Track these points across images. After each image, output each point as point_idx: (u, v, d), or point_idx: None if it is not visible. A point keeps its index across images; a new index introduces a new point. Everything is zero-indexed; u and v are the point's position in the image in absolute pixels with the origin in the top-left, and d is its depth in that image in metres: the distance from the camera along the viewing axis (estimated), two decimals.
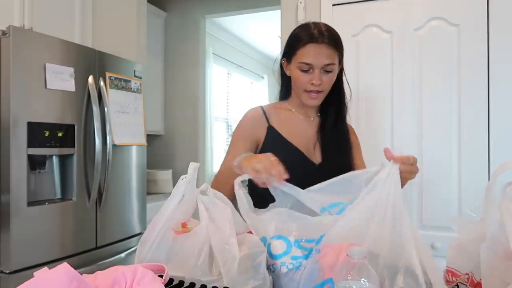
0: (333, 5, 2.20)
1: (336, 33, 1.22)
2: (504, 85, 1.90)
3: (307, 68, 1.17)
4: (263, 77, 5.82)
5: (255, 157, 0.98)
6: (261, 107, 1.30)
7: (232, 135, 1.30)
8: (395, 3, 2.08)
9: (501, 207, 0.60)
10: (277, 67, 1.34)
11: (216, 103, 4.54)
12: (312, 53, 1.15)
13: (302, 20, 2.24)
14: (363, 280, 0.56)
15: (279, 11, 2.36)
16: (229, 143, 1.30)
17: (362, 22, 2.15)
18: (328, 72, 1.18)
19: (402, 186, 0.88)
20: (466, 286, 0.70)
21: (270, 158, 0.94)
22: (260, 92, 5.78)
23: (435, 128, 2.00)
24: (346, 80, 1.31)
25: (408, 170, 0.89)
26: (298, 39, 1.19)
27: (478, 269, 0.64)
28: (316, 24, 1.20)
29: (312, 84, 1.17)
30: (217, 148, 4.51)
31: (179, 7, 3.61)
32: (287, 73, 1.26)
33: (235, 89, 5.21)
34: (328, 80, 1.19)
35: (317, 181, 0.91)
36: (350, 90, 1.33)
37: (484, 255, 0.62)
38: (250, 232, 0.86)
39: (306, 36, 1.17)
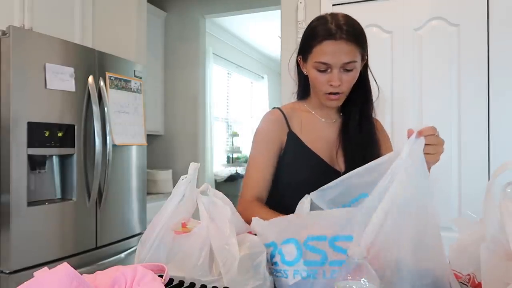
0: (333, 5, 2.20)
1: (357, 24, 1.10)
2: (504, 85, 1.90)
3: (325, 68, 1.05)
4: (263, 77, 5.82)
5: None
6: (280, 110, 1.19)
7: (253, 142, 1.19)
8: (395, 3, 2.09)
9: (501, 207, 0.60)
10: (292, 64, 1.23)
11: (216, 103, 4.55)
12: (329, 51, 1.03)
13: (302, 20, 2.24)
14: (363, 280, 0.56)
15: (279, 11, 2.36)
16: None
17: (362, 22, 2.12)
18: (348, 70, 1.06)
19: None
20: (467, 286, 0.69)
21: None
22: (260, 92, 5.78)
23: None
24: (373, 75, 1.20)
25: (434, 142, 0.76)
26: (313, 35, 1.07)
27: (480, 270, 0.64)
28: (334, 16, 1.08)
29: (331, 85, 1.06)
30: (217, 148, 4.51)
31: (179, 7, 3.61)
32: (304, 71, 1.15)
33: (235, 89, 5.22)
34: (349, 80, 1.07)
35: None
36: (378, 86, 1.20)
37: (484, 255, 0.62)
38: (250, 232, 0.86)
39: (322, 32, 1.05)
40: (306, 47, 1.10)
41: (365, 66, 1.16)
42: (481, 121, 1.93)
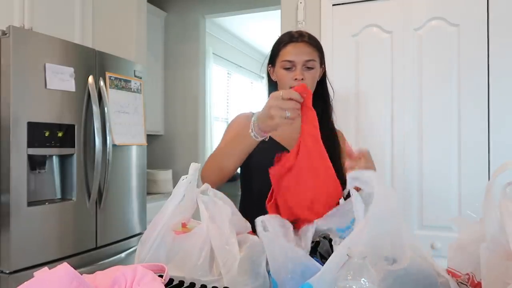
0: (333, 5, 2.20)
1: (317, 40, 1.31)
2: (504, 85, 1.90)
3: (290, 66, 1.23)
4: (263, 77, 5.80)
5: (266, 110, 0.99)
6: (251, 111, 1.37)
7: (225, 131, 1.37)
8: (395, 3, 2.08)
9: (501, 207, 0.60)
10: (264, 73, 1.41)
11: (216, 103, 4.54)
12: (293, 51, 1.23)
13: (302, 20, 2.24)
14: (363, 280, 0.56)
15: (279, 11, 2.36)
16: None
17: (362, 22, 2.15)
18: (309, 68, 1.24)
19: None
20: (467, 286, 0.69)
21: (276, 97, 0.96)
22: (260, 92, 5.78)
23: (435, 128, 2.00)
24: (329, 83, 1.38)
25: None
26: (280, 42, 1.28)
27: (479, 269, 0.64)
28: (298, 30, 1.31)
29: (296, 79, 1.22)
30: None
31: (179, 7, 3.61)
32: (273, 78, 1.33)
33: (235, 89, 5.21)
34: (310, 77, 1.24)
35: None
36: (333, 91, 1.39)
37: (484, 255, 0.62)
38: (250, 232, 0.86)
39: (287, 38, 1.27)
40: (274, 53, 1.30)
41: (324, 76, 1.34)
42: (481, 121, 1.92)
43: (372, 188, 0.70)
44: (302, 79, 1.22)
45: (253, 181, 1.31)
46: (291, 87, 1.24)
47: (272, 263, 0.72)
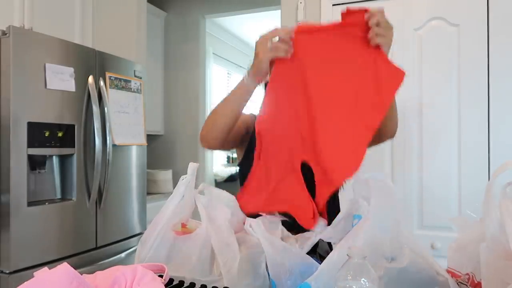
0: (333, 5, 2.20)
1: None
2: (504, 85, 1.90)
3: None
4: None
5: (256, 55, 1.06)
6: (251, 113, 1.39)
7: None
8: (395, 3, 2.08)
9: (501, 207, 0.60)
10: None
11: (216, 103, 4.54)
12: None
13: (302, 20, 2.24)
14: (363, 280, 0.56)
15: (279, 11, 2.36)
16: None
17: None
18: None
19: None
20: (467, 286, 0.69)
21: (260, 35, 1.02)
22: (260, 92, 5.77)
23: (435, 128, 2.00)
24: None
25: (382, 21, 1.01)
26: None
27: (479, 269, 0.64)
28: None
29: None
30: None
31: (179, 7, 3.61)
32: None
33: None
34: None
35: (303, 170, 0.98)
36: None
37: (484, 255, 0.62)
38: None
39: None
40: None
41: None
42: (481, 121, 1.92)
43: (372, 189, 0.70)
44: None
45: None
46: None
47: (270, 263, 0.72)
